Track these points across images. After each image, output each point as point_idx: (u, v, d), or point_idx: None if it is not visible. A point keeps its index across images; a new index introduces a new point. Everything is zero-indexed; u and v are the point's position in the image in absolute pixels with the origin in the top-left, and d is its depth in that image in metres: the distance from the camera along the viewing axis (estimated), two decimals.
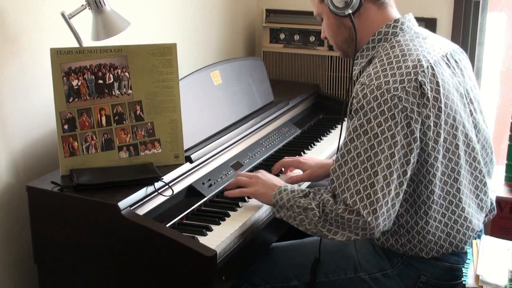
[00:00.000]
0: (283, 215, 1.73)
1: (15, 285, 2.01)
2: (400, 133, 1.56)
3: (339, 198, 1.61)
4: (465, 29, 2.82)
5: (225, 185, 1.96)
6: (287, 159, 2.12)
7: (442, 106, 1.61)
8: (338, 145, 1.71)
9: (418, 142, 1.58)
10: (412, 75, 1.58)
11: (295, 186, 1.76)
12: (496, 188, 1.96)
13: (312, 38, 2.97)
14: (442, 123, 1.62)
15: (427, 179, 1.64)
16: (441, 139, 1.62)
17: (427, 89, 1.59)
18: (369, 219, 1.56)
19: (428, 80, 1.59)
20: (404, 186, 1.60)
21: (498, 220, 2.58)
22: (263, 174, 1.89)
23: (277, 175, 2.08)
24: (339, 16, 1.71)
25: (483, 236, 1.82)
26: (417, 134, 1.58)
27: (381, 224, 1.58)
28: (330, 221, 1.62)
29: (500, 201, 2.55)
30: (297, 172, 2.11)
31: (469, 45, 2.83)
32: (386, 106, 1.55)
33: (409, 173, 1.59)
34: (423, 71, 1.60)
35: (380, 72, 1.60)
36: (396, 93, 1.56)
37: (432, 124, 1.59)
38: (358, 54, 1.74)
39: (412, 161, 1.59)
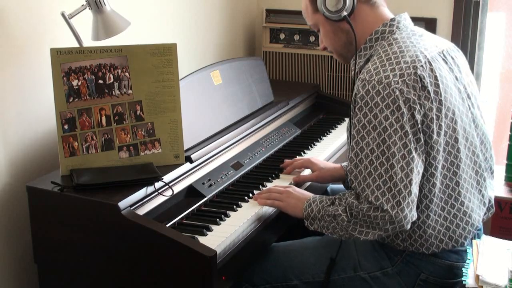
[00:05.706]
0: (317, 227, 1.74)
1: (15, 285, 2.01)
2: (408, 123, 1.58)
3: (362, 197, 1.62)
4: (465, 29, 2.82)
5: (256, 194, 1.93)
6: (298, 161, 2.14)
7: (442, 99, 1.63)
8: (349, 143, 1.71)
9: (422, 134, 1.60)
10: (411, 69, 1.60)
11: (323, 196, 1.77)
12: (496, 188, 1.95)
13: (312, 38, 2.97)
14: (443, 116, 1.63)
15: (429, 173, 1.65)
16: (442, 132, 1.64)
17: (427, 82, 1.61)
18: (393, 212, 1.57)
19: (427, 74, 1.62)
20: (421, 174, 1.61)
21: (498, 220, 2.58)
22: (293, 189, 1.89)
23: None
24: (334, 21, 1.72)
25: (483, 236, 1.82)
26: (420, 126, 1.59)
27: (408, 215, 1.59)
28: (360, 222, 1.64)
29: (500, 201, 2.55)
30: (307, 172, 2.14)
31: (469, 45, 2.83)
32: (390, 99, 1.57)
33: (422, 157, 1.60)
34: (422, 65, 1.62)
35: (380, 68, 1.62)
36: (397, 86, 1.58)
37: (434, 117, 1.61)
38: (356, 54, 1.75)
39: (419, 149, 1.60)
